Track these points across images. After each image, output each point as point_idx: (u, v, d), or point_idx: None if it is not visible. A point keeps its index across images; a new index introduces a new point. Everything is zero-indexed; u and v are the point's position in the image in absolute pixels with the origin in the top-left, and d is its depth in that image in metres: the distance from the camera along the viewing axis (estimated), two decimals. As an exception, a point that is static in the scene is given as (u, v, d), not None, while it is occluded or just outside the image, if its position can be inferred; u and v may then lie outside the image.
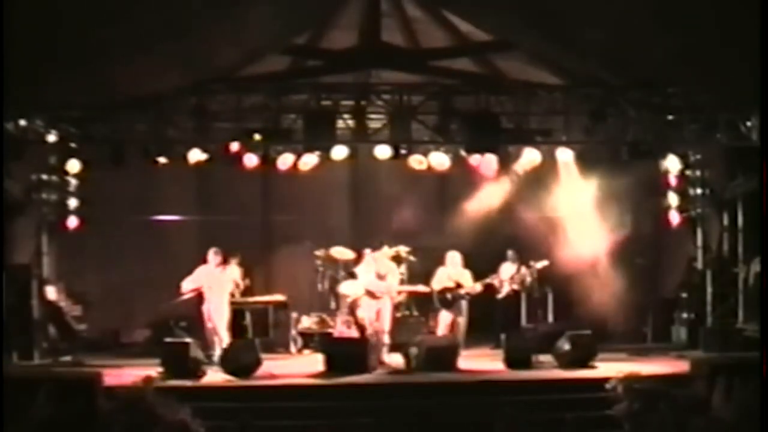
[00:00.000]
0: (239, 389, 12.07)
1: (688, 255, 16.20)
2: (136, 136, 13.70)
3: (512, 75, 14.86)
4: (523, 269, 15.11)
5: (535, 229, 16.29)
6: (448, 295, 14.25)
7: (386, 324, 13.68)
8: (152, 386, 11.08)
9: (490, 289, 14.93)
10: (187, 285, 13.74)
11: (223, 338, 13.66)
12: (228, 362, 12.78)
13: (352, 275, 14.64)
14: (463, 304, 14.23)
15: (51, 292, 15.04)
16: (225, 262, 14.12)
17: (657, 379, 11.65)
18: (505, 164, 15.41)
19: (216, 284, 13.83)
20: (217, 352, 13.33)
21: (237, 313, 15.20)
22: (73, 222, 15.34)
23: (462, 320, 14.17)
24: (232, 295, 14.45)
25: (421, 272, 15.42)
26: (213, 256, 13.89)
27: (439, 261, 14.99)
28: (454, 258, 14.36)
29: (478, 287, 14.32)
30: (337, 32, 14.58)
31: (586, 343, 13.25)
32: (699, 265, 15.83)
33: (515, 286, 15.21)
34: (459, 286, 14.26)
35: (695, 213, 15.93)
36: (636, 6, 10.89)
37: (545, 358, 13.38)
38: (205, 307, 13.78)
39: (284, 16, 12.60)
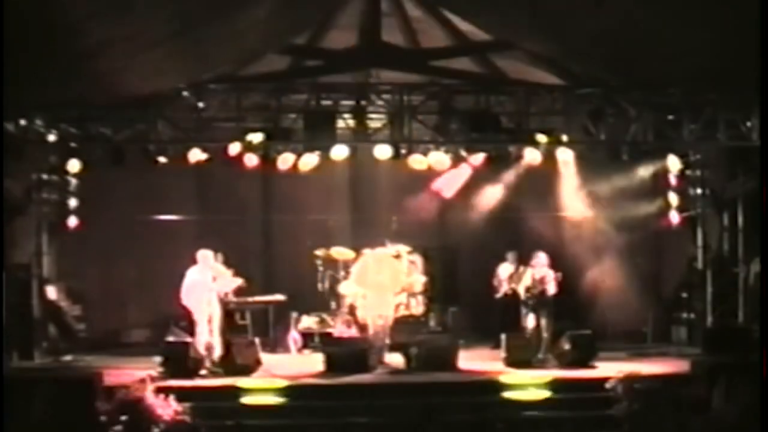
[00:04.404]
0: (239, 389, 12.07)
1: (688, 255, 16.21)
2: (136, 136, 13.70)
3: (512, 75, 14.87)
4: (521, 268, 15.08)
5: (535, 228, 16.31)
6: (530, 296, 13.86)
7: (388, 323, 13.65)
8: (152, 386, 11.08)
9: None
10: (188, 299, 13.22)
11: (216, 342, 13.32)
12: (228, 362, 12.79)
13: (351, 275, 14.64)
14: (548, 303, 13.78)
15: (51, 292, 15.05)
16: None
17: (657, 379, 11.66)
18: (503, 164, 15.40)
19: (208, 287, 13.45)
20: (214, 355, 13.19)
21: (237, 313, 15.24)
22: (73, 222, 15.34)
23: (545, 320, 13.69)
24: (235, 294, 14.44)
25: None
26: (202, 257, 13.39)
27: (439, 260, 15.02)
28: (540, 258, 13.97)
29: (553, 289, 13.78)
30: (337, 32, 14.57)
31: (586, 343, 13.26)
32: (699, 265, 15.83)
33: (514, 286, 15.16)
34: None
35: (695, 213, 15.94)
36: (636, 6, 10.88)
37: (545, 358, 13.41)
38: (199, 310, 13.33)
39: (284, 16, 12.60)
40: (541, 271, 13.73)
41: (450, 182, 16.34)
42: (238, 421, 10.36)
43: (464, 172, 16.03)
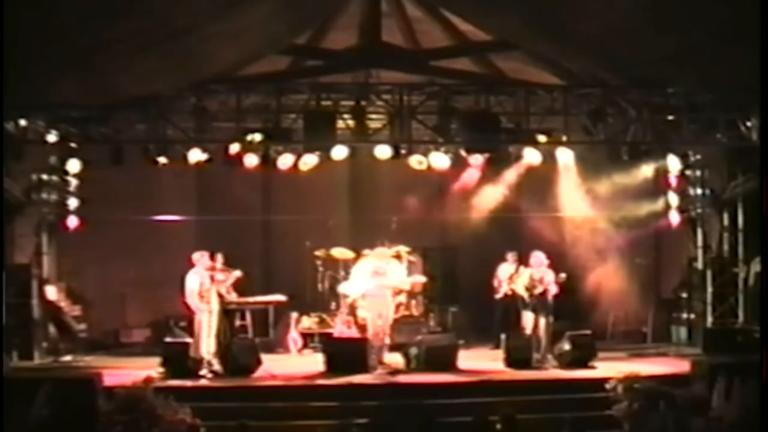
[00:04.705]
0: (239, 389, 12.08)
1: (688, 255, 16.21)
2: (136, 136, 13.70)
3: (512, 75, 14.86)
4: (522, 269, 15.06)
5: (535, 229, 16.32)
6: (531, 296, 13.67)
7: (388, 323, 13.65)
8: (152, 386, 11.08)
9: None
10: (194, 300, 13.12)
11: (216, 342, 13.26)
12: (228, 362, 12.78)
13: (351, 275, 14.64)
14: (548, 304, 13.63)
15: (51, 292, 15.04)
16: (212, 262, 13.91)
17: (657, 379, 11.65)
18: (503, 164, 15.40)
19: (207, 287, 13.35)
20: (214, 356, 13.17)
21: (237, 314, 15.24)
22: (73, 222, 15.35)
23: (544, 321, 13.55)
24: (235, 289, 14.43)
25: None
26: (200, 258, 13.31)
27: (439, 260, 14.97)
28: (538, 258, 13.82)
29: (554, 288, 13.60)
30: (337, 32, 14.57)
31: (586, 343, 13.26)
32: (699, 265, 15.83)
33: (514, 286, 15.13)
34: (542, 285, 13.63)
35: (695, 213, 15.95)
36: (636, 6, 10.89)
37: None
38: (199, 311, 13.21)
39: (284, 16, 12.59)
40: (539, 271, 13.71)
41: (466, 181, 16.42)
42: (242, 422, 10.32)
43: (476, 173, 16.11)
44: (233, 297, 14.78)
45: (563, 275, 13.58)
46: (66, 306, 15.28)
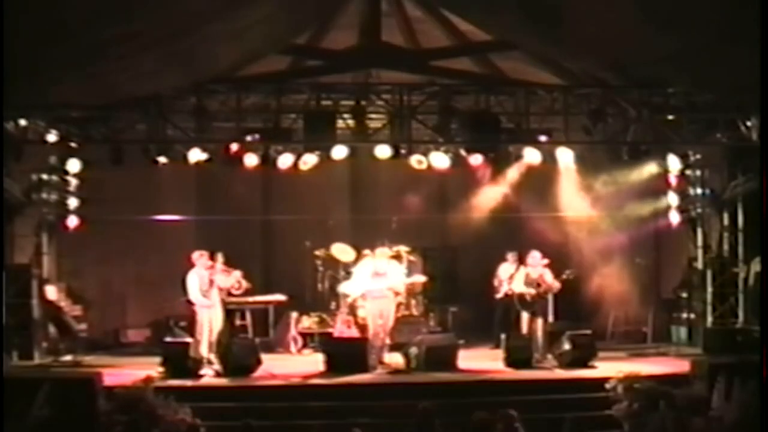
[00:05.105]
0: (239, 389, 12.08)
1: (688, 255, 16.22)
2: (136, 136, 13.71)
3: (512, 75, 14.86)
4: (522, 269, 15.06)
5: (535, 229, 16.31)
6: (528, 296, 13.75)
7: (388, 323, 13.65)
8: (152, 386, 11.09)
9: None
10: (197, 296, 13.27)
11: (216, 342, 13.33)
12: (228, 362, 12.79)
13: (351, 275, 14.64)
14: (546, 303, 13.69)
15: (51, 292, 15.04)
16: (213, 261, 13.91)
17: (657, 379, 11.66)
18: (504, 164, 15.41)
19: (207, 287, 13.43)
20: (214, 356, 13.18)
21: (237, 313, 15.24)
22: (73, 222, 15.37)
23: (540, 320, 13.62)
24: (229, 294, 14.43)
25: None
26: (199, 258, 13.41)
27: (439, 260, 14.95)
28: (535, 257, 13.86)
29: (556, 285, 13.69)
30: (337, 32, 14.56)
31: (586, 343, 13.27)
32: (699, 265, 15.84)
33: (513, 286, 15.13)
34: (539, 285, 13.71)
35: (695, 213, 15.95)
36: (636, 6, 10.87)
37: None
38: (203, 312, 13.38)
39: (284, 16, 12.58)
40: (536, 270, 13.73)
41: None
42: (246, 421, 10.32)
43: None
44: (245, 284, 14.60)
45: (570, 271, 13.59)
46: (66, 306, 15.28)
